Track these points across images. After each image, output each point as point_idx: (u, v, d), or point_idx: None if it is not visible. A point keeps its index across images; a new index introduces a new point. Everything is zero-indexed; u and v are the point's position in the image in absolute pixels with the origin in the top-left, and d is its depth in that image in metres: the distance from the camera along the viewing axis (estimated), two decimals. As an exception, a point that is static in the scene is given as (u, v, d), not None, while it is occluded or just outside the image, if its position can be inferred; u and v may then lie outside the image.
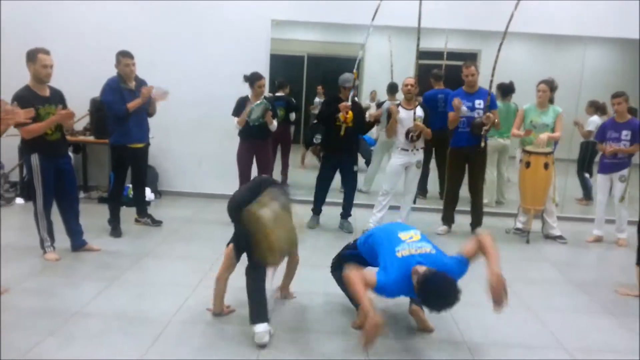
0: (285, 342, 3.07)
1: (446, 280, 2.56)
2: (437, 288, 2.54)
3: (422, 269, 2.63)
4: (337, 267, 3.40)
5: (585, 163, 7.71)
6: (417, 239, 2.90)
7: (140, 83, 4.88)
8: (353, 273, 2.68)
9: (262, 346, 2.94)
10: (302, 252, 4.73)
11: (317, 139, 7.26)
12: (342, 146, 5.31)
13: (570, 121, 7.60)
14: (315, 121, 8.26)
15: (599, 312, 3.78)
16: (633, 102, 7.12)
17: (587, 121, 7.53)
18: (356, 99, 5.84)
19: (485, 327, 3.34)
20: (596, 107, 7.56)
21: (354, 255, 3.28)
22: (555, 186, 5.50)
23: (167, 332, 3.07)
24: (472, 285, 4.23)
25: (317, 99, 10.18)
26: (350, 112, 5.10)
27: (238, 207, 3.04)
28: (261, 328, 2.98)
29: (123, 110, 4.66)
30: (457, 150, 5.44)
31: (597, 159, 7.43)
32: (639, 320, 3.62)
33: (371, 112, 5.54)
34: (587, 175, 7.72)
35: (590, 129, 7.40)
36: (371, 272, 2.74)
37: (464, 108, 5.22)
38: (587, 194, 7.66)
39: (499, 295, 2.65)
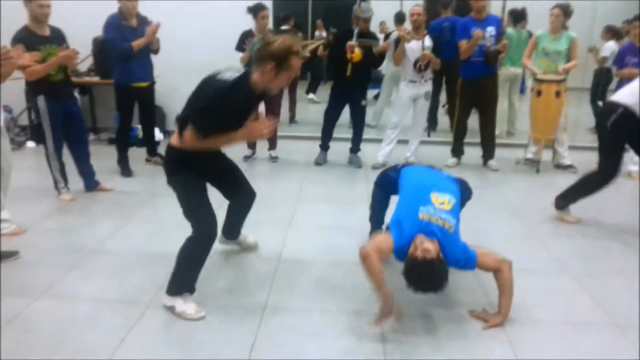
0: (294, 272, 3.15)
1: (435, 274, 2.41)
2: (423, 276, 2.42)
3: (422, 244, 2.43)
4: (378, 184, 3.30)
5: (598, 91, 7.54)
6: (447, 208, 2.59)
7: (142, 20, 4.77)
8: (370, 254, 2.49)
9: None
10: (313, 188, 4.81)
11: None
12: (350, 80, 5.21)
13: (585, 47, 7.39)
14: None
15: (606, 237, 3.82)
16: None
17: (603, 47, 7.30)
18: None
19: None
20: (613, 32, 7.29)
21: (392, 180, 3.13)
22: (566, 115, 5.41)
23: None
24: (481, 212, 4.25)
25: (317, 33, 9.92)
26: (356, 52, 4.96)
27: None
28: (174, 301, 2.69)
29: (127, 49, 4.58)
30: (469, 81, 5.30)
31: (612, 86, 7.29)
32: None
33: (379, 48, 5.38)
34: (600, 103, 7.57)
35: (605, 55, 7.19)
36: (386, 241, 2.56)
37: (486, 34, 5.04)
38: None
39: (489, 327, 2.61)
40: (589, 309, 2.85)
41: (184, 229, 2.70)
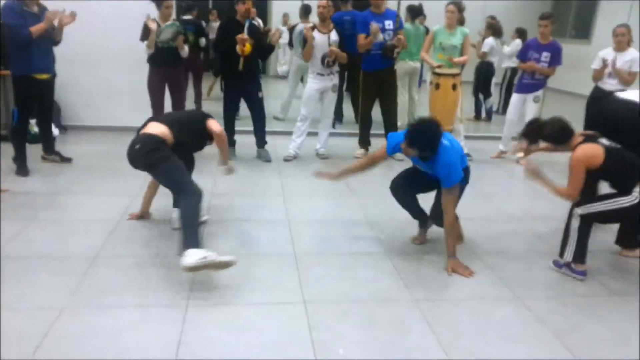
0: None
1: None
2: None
3: None
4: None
5: (479, 84, 8.12)
6: None
7: (43, 9, 4.43)
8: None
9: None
10: (226, 182, 4.77)
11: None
12: (243, 73, 5.10)
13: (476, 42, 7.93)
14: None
15: (511, 221, 4.20)
16: (530, 24, 7.54)
17: (483, 43, 7.92)
18: (256, 22, 5.60)
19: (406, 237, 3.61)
20: (493, 30, 7.94)
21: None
22: (461, 107, 5.80)
23: (94, 268, 3.02)
24: (389, 200, 4.44)
25: (212, 24, 9.71)
26: (247, 45, 4.92)
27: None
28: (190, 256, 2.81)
29: (26, 35, 4.21)
30: (369, 73, 5.50)
31: (494, 79, 7.94)
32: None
33: (273, 37, 5.28)
34: (481, 96, 8.19)
35: (485, 50, 7.80)
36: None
37: (380, 36, 5.23)
38: (478, 114, 8.23)
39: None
40: (494, 285, 3.12)
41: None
